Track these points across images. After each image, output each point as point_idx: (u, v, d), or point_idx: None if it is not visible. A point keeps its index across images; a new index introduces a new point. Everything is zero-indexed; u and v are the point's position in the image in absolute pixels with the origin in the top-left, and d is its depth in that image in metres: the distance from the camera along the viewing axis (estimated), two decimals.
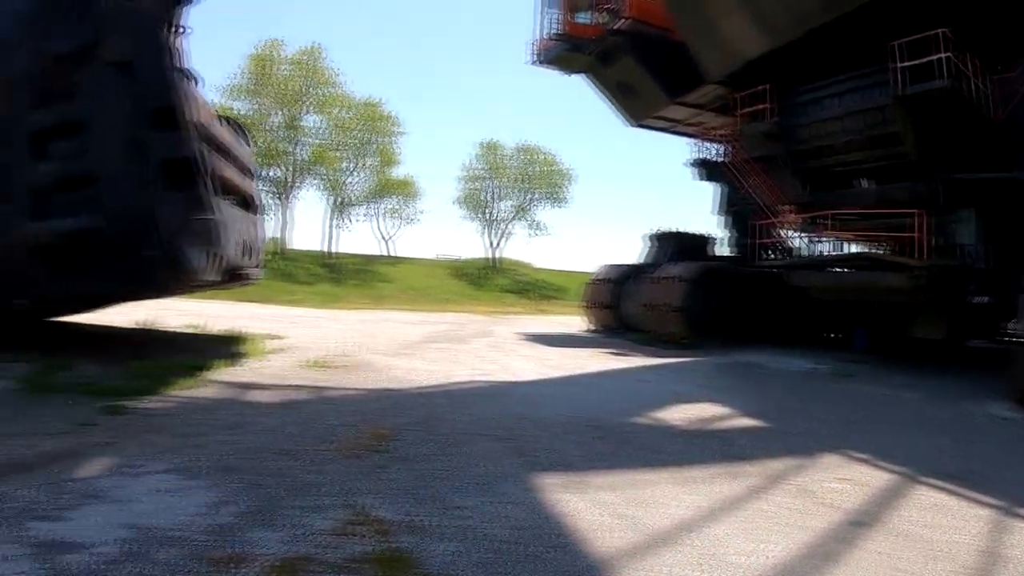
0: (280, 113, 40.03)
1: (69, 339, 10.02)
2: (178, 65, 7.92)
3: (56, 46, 7.58)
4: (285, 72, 39.59)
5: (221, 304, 18.12)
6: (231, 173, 9.21)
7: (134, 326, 11.54)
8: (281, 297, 24.15)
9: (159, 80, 7.69)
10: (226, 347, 9.89)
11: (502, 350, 12.51)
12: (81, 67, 7.58)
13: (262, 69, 38.91)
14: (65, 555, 2.94)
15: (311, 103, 41.09)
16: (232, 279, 9.56)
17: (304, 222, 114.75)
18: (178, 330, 11.71)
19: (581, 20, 19.14)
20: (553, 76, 23.21)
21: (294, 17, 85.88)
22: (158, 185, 7.51)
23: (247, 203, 10.25)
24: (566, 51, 19.27)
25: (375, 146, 44.59)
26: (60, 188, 7.58)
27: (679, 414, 7.18)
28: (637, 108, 19.82)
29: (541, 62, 20.22)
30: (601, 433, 6.05)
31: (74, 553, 2.96)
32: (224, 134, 9.33)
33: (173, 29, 8.16)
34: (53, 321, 10.95)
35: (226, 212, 8.52)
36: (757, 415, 7.39)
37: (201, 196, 7.83)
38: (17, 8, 7.92)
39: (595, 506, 4.00)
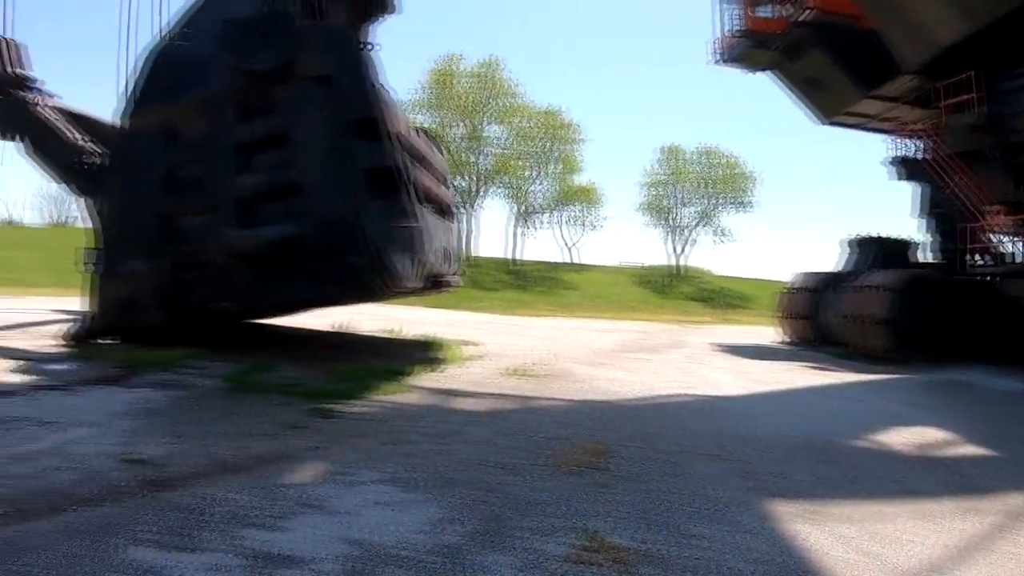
0: (462, 125, 42.05)
1: (267, 340, 10.89)
2: (375, 78, 8.52)
3: (255, 64, 8.38)
4: (465, 85, 41.52)
5: (412, 310, 19.17)
6: (429, 181, 9.67)
7: (329, 329, 12.40)
8: (468, 303, 24.87)
9: (359, 93, 8.30)
10: (423, 352, 10.32)
11: (700, 361, 12.14)
12: (281, 83, 8.35)
13: (442, 83, 41.16)
14: (283, 570, 2.88)
15: (492, 114, 42.70)
16: (433, 286, 10.05)
17: (489, 230, 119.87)
18: (373, 334, 12.42)
19: (762, 14, 18.21)
20: (733, 75, 22.15)
21: (471, 30, 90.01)
22: (363, 194, 8.03)
23: (443, 210, 10.70)
24: (749, 48, 18.36)
25: (557, 153, 45.32)
26: (266, 198, 8.31)
27: (898, 437, 6.62)
28: (827, 104, 18.48)
29: (724, 61, 19.43)
30: (823, 456, 5.68)
31: (293, 568, 2.90)
32: (420, 143, 9.87)
33: (362, 45, 8.83)
34: (251, 322, 11.74)
35: (427, 220, 8.98)
36: (981, 441, 6.63)
37: (404, 204, 8.34)
38: (216, 31, 8.76)
39: (837, 540, 3.76)
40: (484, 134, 42.82)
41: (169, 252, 8.81)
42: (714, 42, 19.33)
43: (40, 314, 13.83)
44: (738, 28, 18.31)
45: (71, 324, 10.21)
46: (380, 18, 10.30)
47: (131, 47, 11.64)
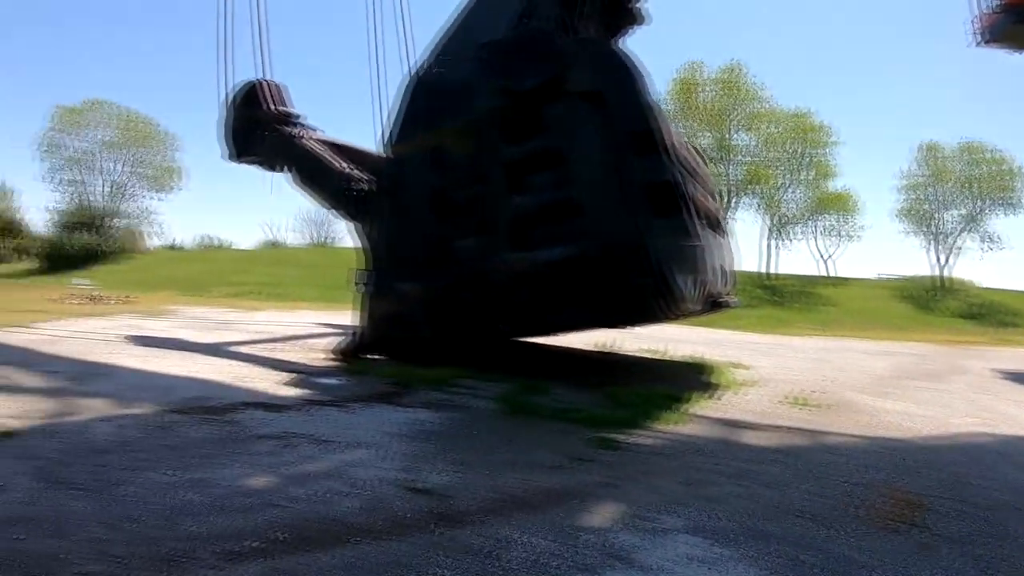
0: (708, 134, 40.41)
1: (531, 359, 10.82)
2: (646, 90, 8.03)
3: (520, 84, 8.28)
4: (709, 93, 39.97)
5: (669, 328, 18.18)
6: (700, 195, 9.03)
7: (593, 349, 12.11)
8: (725, 321, 23.36)
9: (632, 105, 7.87)
10: (693, 376, 9.75)
11: (989, 392, 10.12)
12: (548, 101, 8.15)
13: (686, 93, 40.02)
14: None
15: (738, 121, 40.66)
16: (712, 307, 9.31)
17: (740, 243, 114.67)
18: (638, 355, 11.97)
19: None
20: (996, 58, 18.38)
21: (701, 36, 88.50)
22: (644, 211, 7.55)
23: (714, 225, 9.96)
24: (1014, 24, 15.03)
25: (808, 159, 41.85)
26: (540, 219, 8.10)
27: None
28: None
29: (985, 41, 16.15)
30: None
31: None
32: (689, 156, 9.29)
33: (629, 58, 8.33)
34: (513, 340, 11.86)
35: (706, 236, 8.35)
36: None
37: (685, 221, 7.75)
38: (472, 55, 8.85)
39: None
40: (732, 143, 40.92)
41: (440, 273, 8.95)
42: (972, 21, 16.14)
43: (307, 327, 15.32)
44: (998, 2, 15.08)
45: (339, 338, 10.88)
46: (629, 31, 9.96)
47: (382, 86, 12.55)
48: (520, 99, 8.36)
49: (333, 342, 11.27)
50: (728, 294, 10.37)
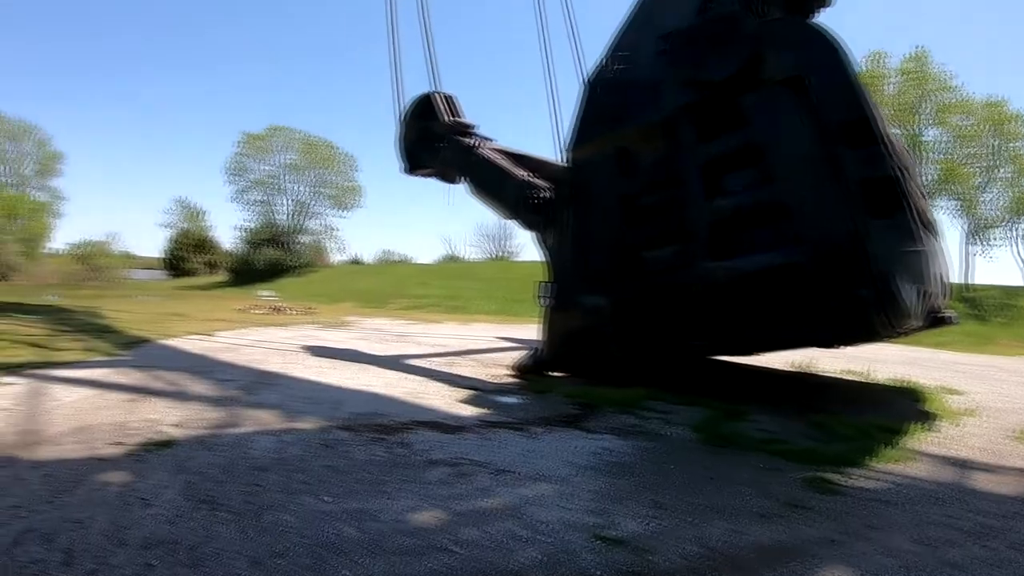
0: (897, 130, 36.30)
1: (724, 379, 10.05)
2: (854, 72, 7.01)
3: (710, 75, 7.59)
4: (895, 85, 36.53)
5: (867, 346, 16.58)
6: (916, 191, 7.83)
7: (788, 368, 11.15)
8: (924, 338, 21.01)
9: (843, 91, 6.89)
10: (903, 402, 8.69)
11: None
12: (743, 91, 7.39)
13: (871, 86, 36.36)
14: None
15: (928, 114, 36.75)
16: (933, 323, 8.08)
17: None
18: (838, 375, 10.88)
19: None
20: None
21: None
22: (862, 211, 6.60)
23: (927, 226, 8.74)
24: None
25: (1007, 153, 36.68)
26: (743, 223, 7.34)
27: None
28: None
29: None
30: None
31: None
32: (902, 147, 8.15)
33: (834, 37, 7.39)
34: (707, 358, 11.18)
35: (929, 240, 7.24)
36: None
37: (908, 222, 6.74)
38: (653, 49, 8.30)
39: None
40: (923, 139, 36.85)
41: (628, 285, 8.51)
42: None
43: (487, 341, 15.37)
44: None
45: (520, 354, 10.62)
46: (817, 12, 8.90)
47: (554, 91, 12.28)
48: (712, 91, 7.68)
49: (513, 357, 11.09)
50: (945, 308, 8.82)
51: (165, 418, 6.35)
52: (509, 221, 11.67)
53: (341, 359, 11.21)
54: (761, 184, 7.21)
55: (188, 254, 62.86)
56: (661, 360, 8.94)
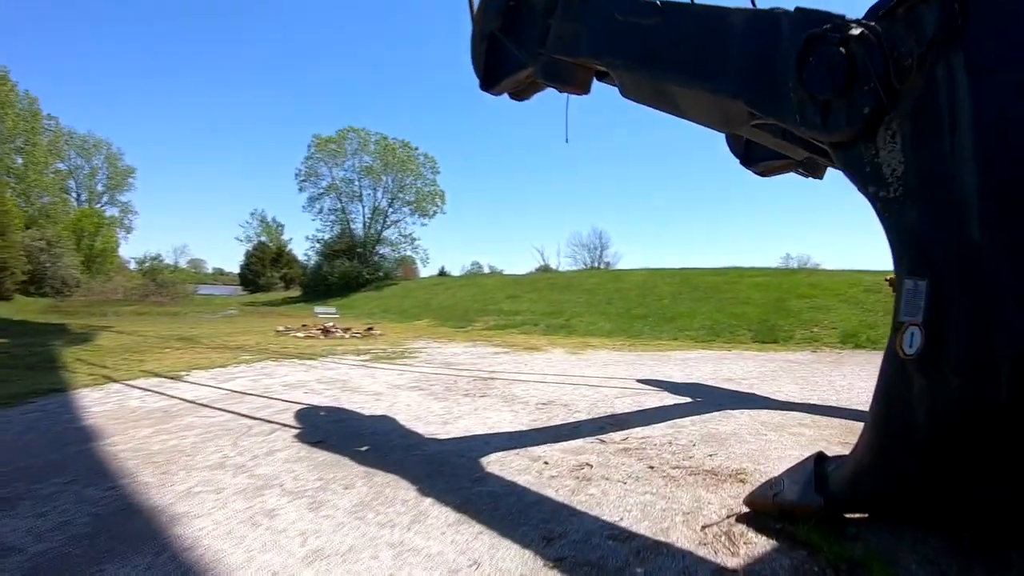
0: None
1: None
2: None
3: None
4: None
5: None
6: None
7: None
8: None
9: None
10: None
11: None
12: None
13: None
14: None
15: None
16: None
17: None
18: None
19: None
20: None
21: None
22: None
23: None
24: None
25: None
26: None
27: None
28: None
29: None
30: None
31: None
32: None
33: None
34: None
35: None
36: None
37: None
38: None
39: None
40: None
41: None
42: None
43: (623, 388, 8.60)
44: None
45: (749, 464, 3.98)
46: None
47: None
48: None
49: (710, 434, 4.50)
50: None
51: None
52: (765, 139, 4.78)
53: (340, 458, 4.99)
54: None
55: (263, 268, 59.82)
56: None
